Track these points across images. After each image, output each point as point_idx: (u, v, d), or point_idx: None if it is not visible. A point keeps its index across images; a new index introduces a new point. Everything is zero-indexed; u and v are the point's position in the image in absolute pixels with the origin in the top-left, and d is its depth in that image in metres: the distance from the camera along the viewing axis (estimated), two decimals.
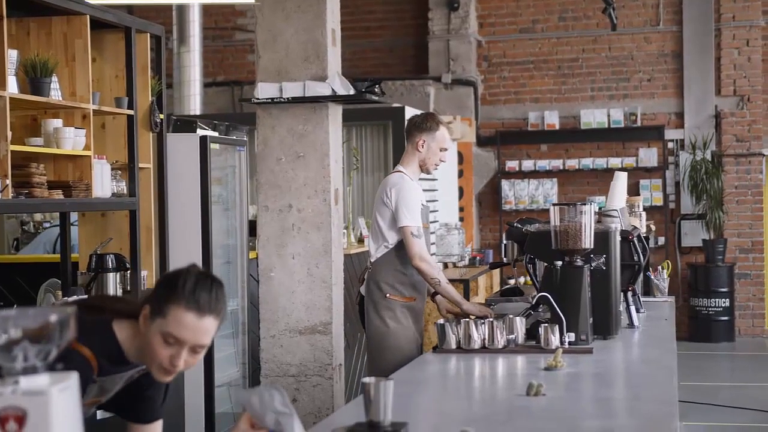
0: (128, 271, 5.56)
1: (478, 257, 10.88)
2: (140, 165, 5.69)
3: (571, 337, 4.31)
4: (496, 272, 11.54)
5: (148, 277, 5.80)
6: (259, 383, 6.07)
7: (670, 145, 12.75)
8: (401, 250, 5.11)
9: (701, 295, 12.29)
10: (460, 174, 12.27)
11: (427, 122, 5.25)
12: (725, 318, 12.28)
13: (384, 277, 5.14)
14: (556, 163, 12.82)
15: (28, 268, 6.55)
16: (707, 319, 12.25)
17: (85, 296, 4.91)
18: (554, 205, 4.50)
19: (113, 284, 5.45)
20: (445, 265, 10.23)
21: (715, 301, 12.25)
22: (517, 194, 12.95)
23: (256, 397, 2.58)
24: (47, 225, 9.04)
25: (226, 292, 2.69)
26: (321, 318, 5.77)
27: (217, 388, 6.52)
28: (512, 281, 12.25)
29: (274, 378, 5.72)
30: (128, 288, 5.59)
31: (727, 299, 12.27)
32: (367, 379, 2.76)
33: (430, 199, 9.76)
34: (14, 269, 6.59)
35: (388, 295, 5.11)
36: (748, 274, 12.62)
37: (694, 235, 12.60)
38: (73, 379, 1.82)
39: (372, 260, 5.21)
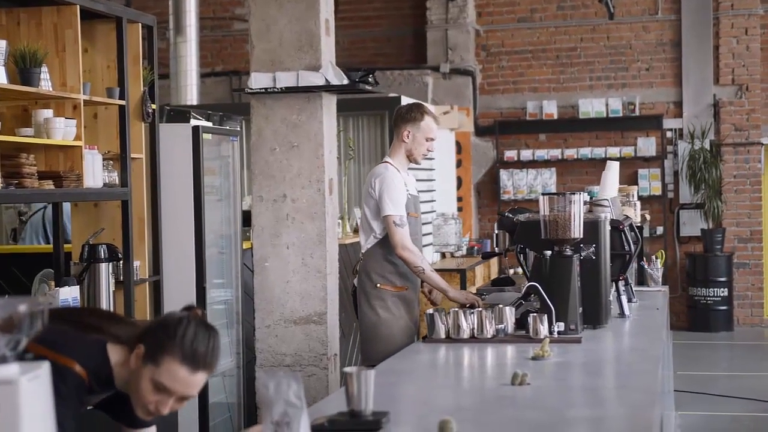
0: (121, 262, 5.56)
1: (475, 247, 10.87)
2: (132, 155, 5.69)
3: (560, 326, 4.32)
4: (494, 262, 11.54)
5: (141, 267, 5.80)
6: (253, 373, 6.09)
7: (669, 134, 12.73)
8: (389, 239, 5.13)
9: (700, 284, 12.29)
10: (459, 164, 12.26)
11: (411, 113, 5.26)
12: (724, 307, 12.28)
13: (374, 268, 5.16)
14: (555, 153, 12.81)
15: (24, 259, 6.56)
16: (706, 309, 12.25)
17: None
18: (544, 194, 4.50)
19: (105, 274, 5.45)
20: (443, 255, 10.24)
21: (714, 291, 12.25)
22: (516, 184, 12.95)
23: (273, 382, 2.60)
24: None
25: (220, 342, 2.69)
26: (316, 308, 5.77)
27: (212, 378, 6.52)
28: (511, 271, 12.27)
29: (268, 368, 5.73)
30: (121, 278, 5.59)
31: (726, 289, 12.27)
32: (348, 369, 2.77)
33: (427, 189, 9.78)
34: (10, 259, 6.60)
35: (378, 285, 5.13)
36: (747, 263, 12.61)
37: (692, 224, 12.60)
38: (43, 368, 1.83)
39: (363, 251, 5.24)
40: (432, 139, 5.28)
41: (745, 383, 9.32)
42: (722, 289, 12.26)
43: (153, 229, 5.96)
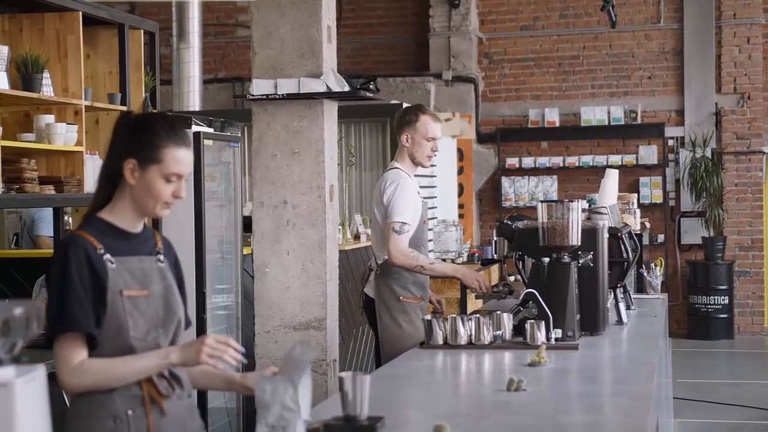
0: None
1: (476, 254, 10.88)
2: None
3: (557, 333, 4.32)
4: (495, 269, 11.56)
5: None
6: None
7: (671, 142, 12.75)
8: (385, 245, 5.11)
9: (700, 292, 12.29)
10: (461, 171, 12.28)
11: (406, 116, 5.26)
12: (724, 315, 12.28)
13: (396, 279, 5.10)
14: (557, 161, 12.83)
15: (24, 263, 6.57)
16: (706, 317, 12.25)
17: None
18: (542, 201, 4.51)
19: None
20: (443, 262, 10.24)
21: (715, 299, 12.25)
22: (517, 191, 12.97)
23: (270, 385, 2.62)
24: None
25: None
26: (315, 314, 5.78)
27: None
28: (512, 278, 12.28)
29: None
30: None
31: (727, 297, 12.27)
32: (343, 374, 2.78)
33: (429, 196, 9.80)
34: (11, 264, 6.62)
35: (401, 297, 5.08)
36: (748, 271, 12.62)
37: (693, 232, 12.60)
38: (39, 371, 1.85)
39: (380, 262, 5.14)
40: (432, 139, 5.23)
41: (745, 391, 9.33)
42: (723, 297, 12.26)
43: None
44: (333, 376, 5.89)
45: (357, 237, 8.23)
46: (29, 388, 1.81)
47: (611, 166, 12.41)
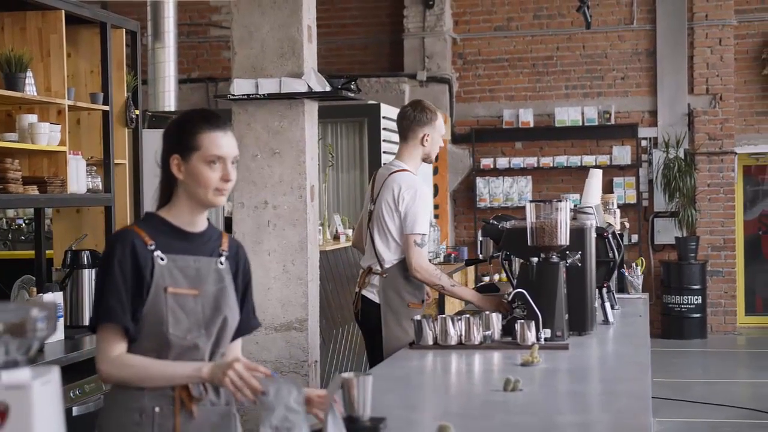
0: None
1: (453, 254, 10.90)
2: (116, 161, 5.67)
3: (546, 333, 4.33)
4: (471, 269, 11.59)
5: None
6: None
7: (644, 143, 12.83)
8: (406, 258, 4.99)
9: (674, 292, 12.38)
10: (435, 171, 12.29)
11: (427, 114, 5.06)
12: (697, 315, 12.38)
13: (404, 285, 4.97)
14: (531, 161, 12.87)
15: (2, 265, 6.52)
16: (680, 316, 12.34)
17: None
18: (530, 201, 4.52)
19: (89, 281, 5.42)
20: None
21: (688, 298, 12.34)
22: (492, 192, 12.99)
23: (274, 387, 2.61)
24: (20, 221, 8.99)
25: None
26: (297, 315, 5.77)
27: None
28: (486, 278, 12.30)
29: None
30: None
31: (700, 296, 12.36)
32: (346, 375, 2.77)
33: None
34: None
35: (410, 304, 4.97)
36: (720, 271, 12.72)
37: (666, 232, 12.69)
38: (54, 373, 1.82)
39: (387, 266, 4.99)
40: (442, 135, 5.18)
41: (720, 390, 9.39)
42: (696, 296, 12.36)
43: None
44: (315, 377, 5.87)
45: (336, 237, 8.21)
46: (46, 389, 1.78)
47: (585, 167, 12.50)
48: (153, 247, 2.84)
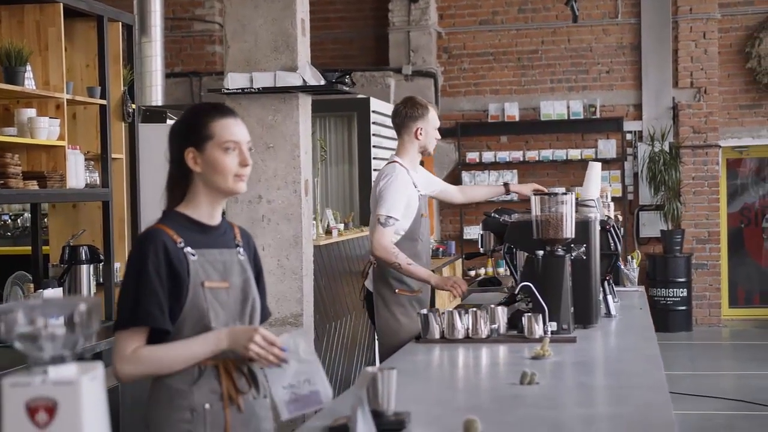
0: (102, 263, 5.49)
1: (440, 249, 10.90)
2: (113, 155, 5.63)
3: (553, 326, 4.33)
4: (458, 263, 11.58)
5: (122, 269, 5.74)
6: None
7: (629, 136, 12.86)
8: (406, 243, 5.08)
9: (659, 285, 12.42)
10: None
11: (418, 110, 5.25)
12: (683, 308, 12.43)
13: (391, 272, 5.09)
14: (517, 155, 12.88)
15: None
16: (665, 309, 12.38)
17: None
18: (535, 194, 4.51)
19: (86, 276, 5.38)
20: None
21: (673, 291, 12.39)
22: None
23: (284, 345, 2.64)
24: (6, 217, 8.90)
25: None
26: (291, 309, 5.75)
27: None
28: (473, 272, 12.31)
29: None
30: (101, 280, 5.52)
31: (685, 289, 12.42)
32: (370, 369, 2.75)
33: None
34: None
35: (397, 290, 5.09)
36: (705, 264, 12.78)
37: (652, 225, 12.73)
38: (99, 368, 1.80)
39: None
40: (437, 127, 5.30)
41: (706, 382, 9.44)
42: (681, 289, 12.41)
43: (132, 231, 5.89)
44: None
45: (329, 232, 8.18)
46: (93, 385, 1.77)
47: (571, 161, 12.53)
48: (182, 244, 2.82)
